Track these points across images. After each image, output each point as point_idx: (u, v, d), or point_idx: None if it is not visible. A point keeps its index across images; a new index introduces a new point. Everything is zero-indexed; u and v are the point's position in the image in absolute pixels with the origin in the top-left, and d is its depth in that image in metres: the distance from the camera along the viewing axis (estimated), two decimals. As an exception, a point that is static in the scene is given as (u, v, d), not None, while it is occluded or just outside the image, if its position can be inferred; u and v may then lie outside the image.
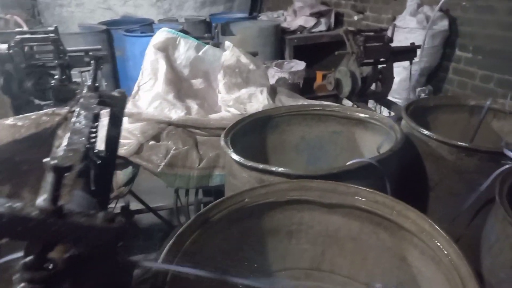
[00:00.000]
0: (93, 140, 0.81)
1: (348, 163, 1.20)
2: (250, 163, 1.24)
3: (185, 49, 2.03)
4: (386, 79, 2.40)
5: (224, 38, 4.57)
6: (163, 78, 1.87)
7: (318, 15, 4.79)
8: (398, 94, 3.45)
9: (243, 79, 2.05)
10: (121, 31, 4.32)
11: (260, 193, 1.10)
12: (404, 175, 1.35)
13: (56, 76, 2.04)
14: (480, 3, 2.98)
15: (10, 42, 2.10)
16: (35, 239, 0.53)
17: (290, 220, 1.16)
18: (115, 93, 0.84)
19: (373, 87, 2.50)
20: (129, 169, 1.76)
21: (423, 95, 3.40)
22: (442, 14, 3.20)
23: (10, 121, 0.81)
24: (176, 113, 1.74)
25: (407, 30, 3.29)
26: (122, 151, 1.61)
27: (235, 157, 1.29)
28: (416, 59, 3.27)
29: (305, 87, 3.23)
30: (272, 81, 4.13)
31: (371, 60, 2.35)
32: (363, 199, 1.06)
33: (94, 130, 0.79)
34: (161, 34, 2.05)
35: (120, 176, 1.74)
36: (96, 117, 0.81)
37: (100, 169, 0.85)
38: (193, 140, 1.72)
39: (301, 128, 1.78)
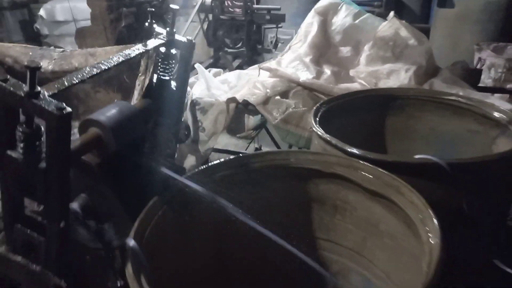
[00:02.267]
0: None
1: (415, 156, 1.07)
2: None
3: (343, 16, 2.05)
4: None
5: (438, 10, 4.09)
6: (309, 41, 1.97)
7: None
8: None
9: (395, 54, 1.92)
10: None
11: (307, 158, 1.14)
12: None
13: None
14: None
15: (214, -4, 2.60)
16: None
17: (335, 195, 1.16)
18: (183, 39, 1.04)
19: None
20: (259, 116, 2.01)
21: None
22: None
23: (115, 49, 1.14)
24: (305, 76, 1.84)
25: None
26: (252, 98, 1.87)
27: (319, 131, 1.29)
28: None
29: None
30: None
31: None
32: (401, 196, 0.96)
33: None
34: (327, -1, 2.12)
35: (251, 120, 2.01)
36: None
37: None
38: (314, 103, 1.79)
39: (432, 118, 1.59)
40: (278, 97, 1.85)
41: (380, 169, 1.04)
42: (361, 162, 1.09)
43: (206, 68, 2.46)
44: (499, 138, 1.36)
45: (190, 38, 1.04)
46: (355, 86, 1.80)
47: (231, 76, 2.18)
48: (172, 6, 1.03)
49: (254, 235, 0.94)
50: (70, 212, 0.84)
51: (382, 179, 1.03)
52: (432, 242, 0.82)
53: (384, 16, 2.09)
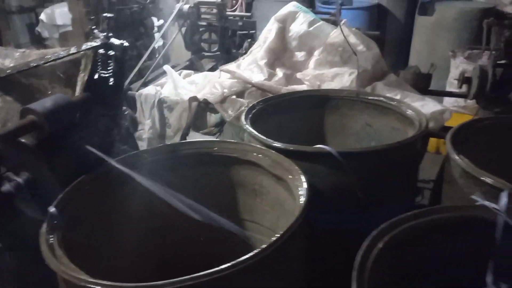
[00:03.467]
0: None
1: (314, 147, 1.24)
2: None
3: (300, 23, 2.22)
4: (535, 88, 1.89)
5: (419, 18, 4.23)
6: (266, 46, 2.15)
7: (558, -1, 3.71)
8: None
9: (343, 58, 2.09)
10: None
11: (228, 147, 1.32)
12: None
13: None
14: None
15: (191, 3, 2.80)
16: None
17: (253, 180, 1.33)
18: (117, 42, 1.23)
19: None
20: (219, 114, 2.19)
21: None
22: None
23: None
24: (258, 77, 2.02)
25: None
26: (210, 97, 2.05)
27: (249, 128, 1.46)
28: None
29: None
30: (455, 72, 3.68)
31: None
32: (292, 177, 1.14)
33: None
34: (286, 8, 2.30)
35: (211, 118, 2.20)
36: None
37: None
38: (264, 103, 1.97)
39: (362, 116, 1.75)
40: (234, 97, 2.04)
41: (283, 157, 1.22)
42: (270, 150, 1.26)
43: (182, 69, 2.67)
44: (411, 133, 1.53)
45: (123, 41, 1.24)
46: (302, 87, 1.97)
47: (198, 77, 2.38)
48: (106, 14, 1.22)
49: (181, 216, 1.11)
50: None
51: (282, 165, 1.20)
52: (301, 202, 1.00)
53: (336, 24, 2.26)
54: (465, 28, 3.79)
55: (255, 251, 0.81)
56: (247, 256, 0.79)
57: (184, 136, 2.20)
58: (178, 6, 2.83)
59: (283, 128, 1.74)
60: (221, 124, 2.24)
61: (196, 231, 1.26)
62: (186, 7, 2.78)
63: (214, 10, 2.77)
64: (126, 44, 1.23)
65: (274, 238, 0.85)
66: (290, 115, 1.76)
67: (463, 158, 1.15)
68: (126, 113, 1.81)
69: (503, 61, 1.90)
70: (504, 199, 0.95)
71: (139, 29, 2.88)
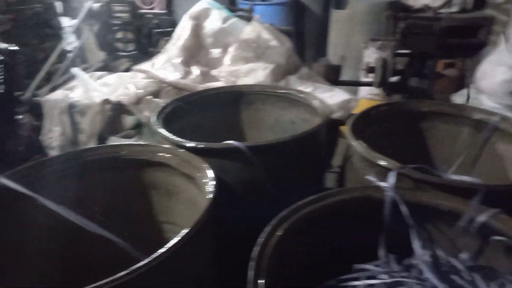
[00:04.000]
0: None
1: (222, 143, 1.26)
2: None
3: (214, 20, 2.22)
4: (428, 75, 2.08)
5: (334, 12, 4.46)
6: (181, 44, 2.12)
7: (450, -7, 4.11)
8: (498, 98, 2.84)
9: (258, 54, 2.13)
10: None
11: (137, 149, 1.29)
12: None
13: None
14: None
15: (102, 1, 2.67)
16: None
17: (166, 180, 1.32)
18: (2, 45, 1.15)
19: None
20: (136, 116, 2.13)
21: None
22: None
23: None
24: (173, 76, 1.99)
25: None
26: (124, 99, 1.98)
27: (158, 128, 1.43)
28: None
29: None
30: (369, 61, 3.91)
31: (413, 52, 2.06)
32: (201, 174, 1.14)
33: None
34: (199, 4, 2.29)
35: (127, 120, 2.12)
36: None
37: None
38: (181, 102, 1.95)
39: (275, 110, 1.81)
40: (149, 97, 1.99)
41: (193, 155, 1.22)
42: (179, 150, 1.26)
43: (95, 71, 2.54)
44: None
45: (9, 45, 1.15)
46: (218, 84, 1.98)
47: (111, 78, 2.28)
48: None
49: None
50: None
51: (192, 163, 1.20)
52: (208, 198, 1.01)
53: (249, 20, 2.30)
54: (375, 21, 4.05)
55: (154, 255, 0.81)
56: (142, 262, 0.78)
57: (102, 141, 2.10)
58: (87, 5, 2.68)
59: (199, 126, 1.74)
60: (138, 126, 2.17)
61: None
62: (96, 5, 2.64)
63: (127, 8, 2.67)
64: (14, 48, 1.15)
65: (173, 240, 0.85)
66: (206, 112, 1.76)
67: (360, 143, 1.24)
68: (25, 121, 1.68)
69: (401, 51, 2.06)
70: (392, 178, 1.04)
71: (45, 30, 2.69)
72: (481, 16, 3.37)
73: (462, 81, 3.60)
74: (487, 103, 2.92)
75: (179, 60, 2.07)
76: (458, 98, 3.11)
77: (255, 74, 2.02)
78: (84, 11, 2.67)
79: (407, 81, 2.15)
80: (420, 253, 0.92)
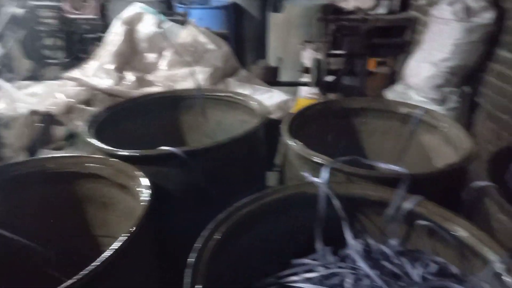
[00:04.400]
0: None
1: (158, 149, 1.23)
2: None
3: (148, 25, 2.17)
4: (359, 73, 2.19)
5: (272, 14, 4.55)
6: (114, 49, 2.05)
7: (379, -4, 4.37)
8: (423, 92, 3.06)
9: (196, 58, 2.11)
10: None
11: (66, 161, 1.23)
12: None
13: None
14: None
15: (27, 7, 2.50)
16: None
17: (101, 192, 1.26)
18: None
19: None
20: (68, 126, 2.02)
21: (454, 97, 2.96)
22: (487, 5, 2.69)
23: None
24: (107, 83, 1.91)
25: (442, 21, 2.86)
26: (54, 109, 1.87)
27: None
28: (446, 55, 2.87)
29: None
30: (307, 62, 4.01)
31: (344, 52, 2.17)
32: (136, 183, 1.11)
33: None
34: (132, 9, 2.22)
35: (58, 131, 2.00)
36: None
37: None
38: (116, 109, 1.88)
39: (215, 113, 1.80)
40: (81, 106, 1.90)
41: (126, 164, 1.18)
42: (112, 159, 1.21)
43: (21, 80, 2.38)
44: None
45: None
46: (154, 90, 1.93)
47: (39, 87, 2.15)
48: None
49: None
50: None
51: (126, 172, 1.16)
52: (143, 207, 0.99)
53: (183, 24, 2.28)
54: (311, 24, 4.19)
55: (85, 270, 0.77)
56: (68, 282, 0.74)
57: (32, 154, 1.97)
58: (9, 11, 2.50)
59: (137, 134, 1.69)
60: (71, 136, 2.07)
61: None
62: (20, 11, 2.48)
63: (54, 13, 2.52)
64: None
65: (105, 253, 0.81)
66: (143, 119, 1.72)
67: (295, 141, 1.27)
68: None
69: (333, 51, 2.14)
70: (324, 173, 1.08)
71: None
72: (405, 17, 3.62)
73: (394, 78, 3.84)
74: (415, 97, 3.13)
75: (112, 66, 2.00)
76: (390, 93, 3.30)
77: (193, 78, 2.00)
78: (6, 17, 2.48)
79: (341, 80, 2.25)
80: (353, 244, 0.96)
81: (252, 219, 0.98)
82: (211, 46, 2.17)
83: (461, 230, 0.88)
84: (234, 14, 4.64)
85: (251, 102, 1.65)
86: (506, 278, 0.77)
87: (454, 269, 0.91)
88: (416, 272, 0.87)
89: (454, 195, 1.24)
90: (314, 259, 1.00)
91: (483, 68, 2.88)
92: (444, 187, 1.15)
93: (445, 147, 1.45)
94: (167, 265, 1.11)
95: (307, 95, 3.65)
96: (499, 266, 0.79)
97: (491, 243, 0.83)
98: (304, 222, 1.06)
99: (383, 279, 0.85)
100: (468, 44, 2.78)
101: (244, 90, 2.03)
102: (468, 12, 2.73)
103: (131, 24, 2.17)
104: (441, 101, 3.02)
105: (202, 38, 2.16)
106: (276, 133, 1.99)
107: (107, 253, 0.81)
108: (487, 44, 2.79)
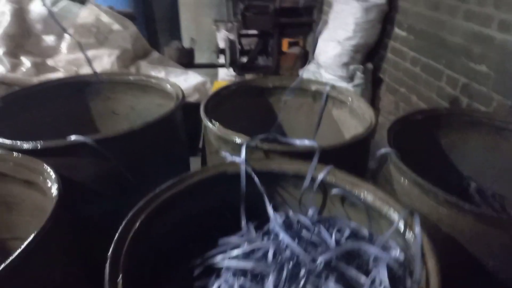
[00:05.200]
0: None
1: (67, 139, 1.14)
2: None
3: (41, 3, 1.95)
4: (272, 53, 2.25)
5: (181, -6, 4.42)
6: (1, 32, 1.81)
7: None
8: (332, 70, 3.25)
9: (99, 40, 1.96)
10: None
11: (-48, 161, 1.08)
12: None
13: None
14: (416, -24, 2.68)
15: None
16: None
17: (2, 192, 1.14)
18: None
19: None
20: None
21: (358, 73, 3.19)
22: (381, -14, 2.92)
23: None
24: (-3, 70, 1.70)
25: (343, 1, 3.04)
26: None
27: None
28: (349, 34, 3.07)
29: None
30: (222, 43, 3.97)
31: (255, 32, 2.19)
32: (42, 177, 1.02)
33: None
34: (20, -15, 1.97)
35: None
36: None
37: None
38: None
39: (127, 98, 1.72)
40: (-33, 97, 1.66)
41: (29, 157, 1.07)
42: (11, 153, 1.09)
43: None
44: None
45: None
46: (57, 75, 1.77)
47: None
48: None
49: None
50: None
51: (29, 166, 1.06)
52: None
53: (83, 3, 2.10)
54: (222, 3, 4.15)
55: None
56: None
57: None
58: None
59: (40, 125, 1.54)
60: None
61: None
62: None
63: None
64: None
65: (11, 256, 0.74)
66: (46, 108, 1.57)
67: (213, 122, 1.27)
68: None
69: (246, 32, 2.15)
70: (243, 152, 1.10)
71: None
72: (313, -3, 3.77)
73: (307, 58, 4.00)
74: (325, 75, 3.31)
75: (1, 51, 1.77)
76: (305, 73, 3.45)
77: (100, 62, 1.87)
78: None
79: (255, 60, 2.28)
80: (273, 218, 1.00)
81: (174, 203, 0.96)
82: (116, 26, 2.04)
83: (368, 194, 0.97)
84: (140, -2, 4.39)
85: (165, 85, 1.60)
86: (406, 233, 0.87)
87: (365, 232, 1.00)
88: (331, 238, 0.94)
89: (362, 162, 1.36)
90: (241, 236, 1.03)
91: (382, 45, 3.15)
92: (352, 156, 1.24)
93: (352, 120, 1.57)
94: (91, 257, 1.05)
95: (226, 77, 3.64)
96: (400, 224, 0.88)
97: (394, 203, 0.93)
98: (229, 201, 1.08)
99: (302, 248, 0.90)
100: (367, 22, 3.00)
101: (158, 73, 1.96)
102: (364, -8, 2.94)
103: (19, 3, 1.94)
104: (349, 78, 3.23)
105: (106, 18, 2.01)
106: (196, 116, 1.97)
107: (12, 257, 0.74)
108: (382, 22, 3.04)
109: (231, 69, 2.70)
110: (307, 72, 3.44)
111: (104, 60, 1.87)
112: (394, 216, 0.91)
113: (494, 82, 2.01)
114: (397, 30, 2.98)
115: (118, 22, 2.04)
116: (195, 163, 1.83)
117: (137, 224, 0.86)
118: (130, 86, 1.68)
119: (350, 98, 1.56)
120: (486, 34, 2.04)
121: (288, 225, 1.02)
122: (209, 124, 1.27)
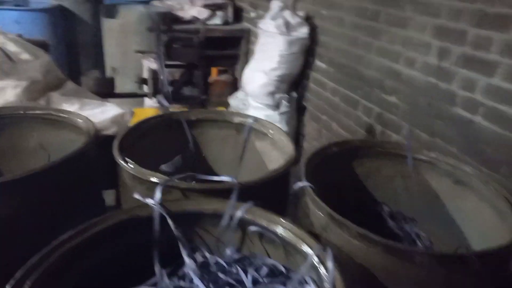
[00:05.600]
0: None
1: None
2: None
3: None
4: (198, 84, 2.24)
5: (106, 20, 4.28)
6: None
7: (214, 7, 4.57)
8: (259, 98, 3.32)
9: (3, 70, 1.80)
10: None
11: None
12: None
13: None
14: (333, 13, 2.88)
15: None
16: None
17: None
18: None
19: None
20: None
21: (284, 102, 3.29)
22: (302, 21, 3.09)
23: None
24: None
25: (268, 34, 3.16)
26: None
27: None
28: (274, 65, 3.18)
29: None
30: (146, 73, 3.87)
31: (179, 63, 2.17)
32: None
33: None
34: None
35: None
36: None
37: None
38: None
39: (35, 133, 1.58)
40: None
41: None
42: None
43: None
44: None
45: None
46: (-51, 109, 1.58)
47: None
48: None
49: None
50: None
51: None
52: None
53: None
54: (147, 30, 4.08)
55: None
56: None
57: None
58: None
59: None
60: None
61: None
62: None
63: None
64: None
65: None
66: None
67: (127, 160, 1.20)
68: None
69: (171, 62, 2.12)
70: (158, 192, 1.05)
71: None
72: (240, 29, 3.86)
73: (236, 84, 4.05)
74: (253, 103, 3.38)
75: None
76: (233, 100, 3.48)
77: (3, 94, 1.71)
78: None
79: (180, 90, 2.25)
80: (188, 262, 0.95)
81: (77, 255, 0.88)
82: (25, 56, 1.89)
83: (284, 230, 0.97)
84: (62, 19, 4.17)
85: (77, 119, 1.50)
86: (320, 268, 0.87)
87: (282, 268, 0.99)
88: (248, 278, 0.92)
89: (282, 195, 1.37)
90: (154, 284, 0.96)
91: (305, 75, 3.30)
92: (273, 190, 1.25)
93: (274, 151, 1.59)
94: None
95: (152, 106, 3.55)
96: (314, 259, 0.89)
97: (308, 238, 0.94)
98: (142, 245, 1.01)
99: (219, 291, 0.86)
100: (291, 55, 3.13)
101: (71, 105, 1.83)
102: (288, 26, 3.08)
103: None
104: (275, 106, 3.32)
105: (13, 47, 1.86)
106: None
107: None
108: (305, 55, 3.20)
109: (154, 99, 2.63)
110: (236, 99, 3.48)
111: (8, 93, 1.71)
112: (308, 251, 0.92)
113: (402, 112, 2.19)
114: (318, 63, 3.14)
115: (27, 51, 1.90)
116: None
117: (29, 283, 0.76)
118: (37, 121, 1.56)
119: (271, 131, 1.59)
120: (395, 68, 2.23)
121: (205, 267, 0.98)
122: (123, 163, 1.20)
